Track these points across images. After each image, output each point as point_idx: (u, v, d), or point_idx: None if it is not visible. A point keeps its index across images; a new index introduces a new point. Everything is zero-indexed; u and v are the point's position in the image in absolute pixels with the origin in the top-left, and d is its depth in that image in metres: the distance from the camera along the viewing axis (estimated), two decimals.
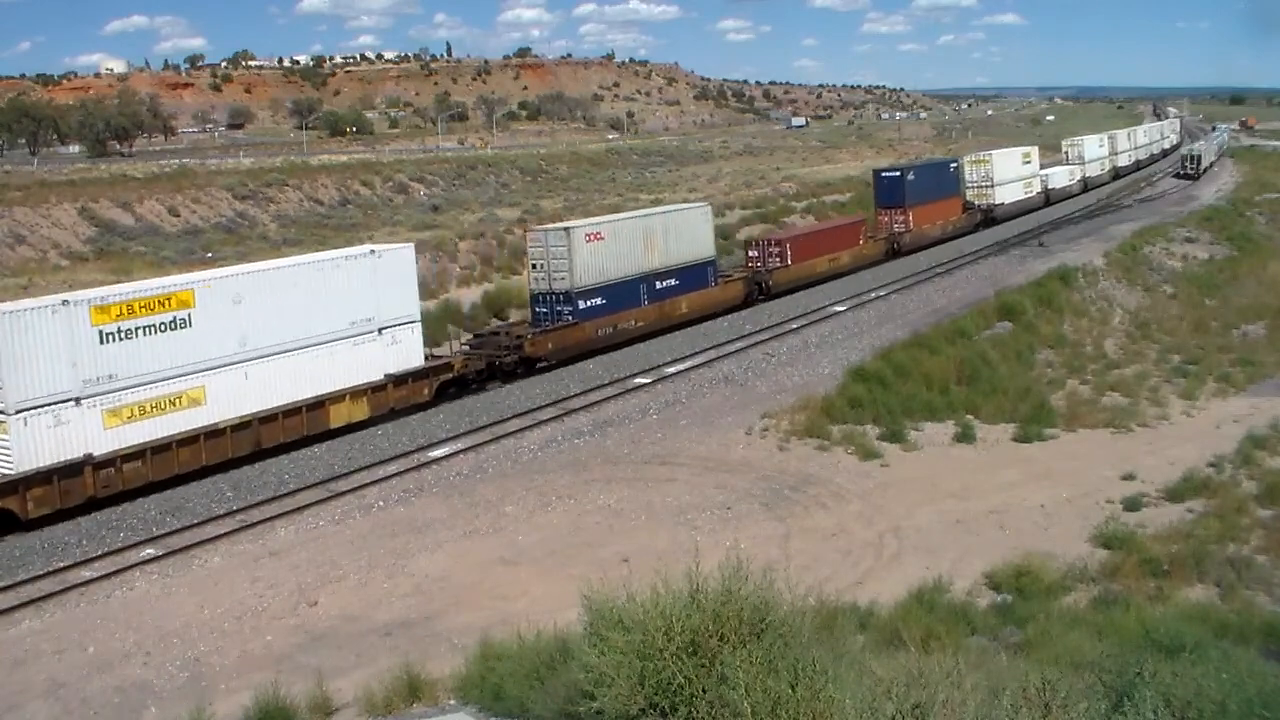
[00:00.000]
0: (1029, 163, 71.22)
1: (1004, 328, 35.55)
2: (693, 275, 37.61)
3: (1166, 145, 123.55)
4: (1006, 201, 65.00)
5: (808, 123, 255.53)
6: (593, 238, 33.48)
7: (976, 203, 62.65)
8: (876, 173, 59.23)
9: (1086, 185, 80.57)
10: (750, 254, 43.71)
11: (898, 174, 56.52)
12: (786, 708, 6.24)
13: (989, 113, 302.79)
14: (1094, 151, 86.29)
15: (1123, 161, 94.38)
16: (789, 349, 34.25)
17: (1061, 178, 76.30)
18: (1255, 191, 76.36)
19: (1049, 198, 72.12)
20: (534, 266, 33.36)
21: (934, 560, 17.32)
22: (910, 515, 19.89)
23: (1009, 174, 66.73)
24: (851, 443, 24.25)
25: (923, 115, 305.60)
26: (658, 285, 36.05)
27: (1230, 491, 20.34)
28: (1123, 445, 24.60)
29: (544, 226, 36.71)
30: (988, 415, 26.25)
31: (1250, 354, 33.29)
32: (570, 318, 32.54)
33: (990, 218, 62.59)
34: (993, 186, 63.72)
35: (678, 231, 37.19)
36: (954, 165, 62.18)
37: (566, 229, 33.60)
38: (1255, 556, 16.99)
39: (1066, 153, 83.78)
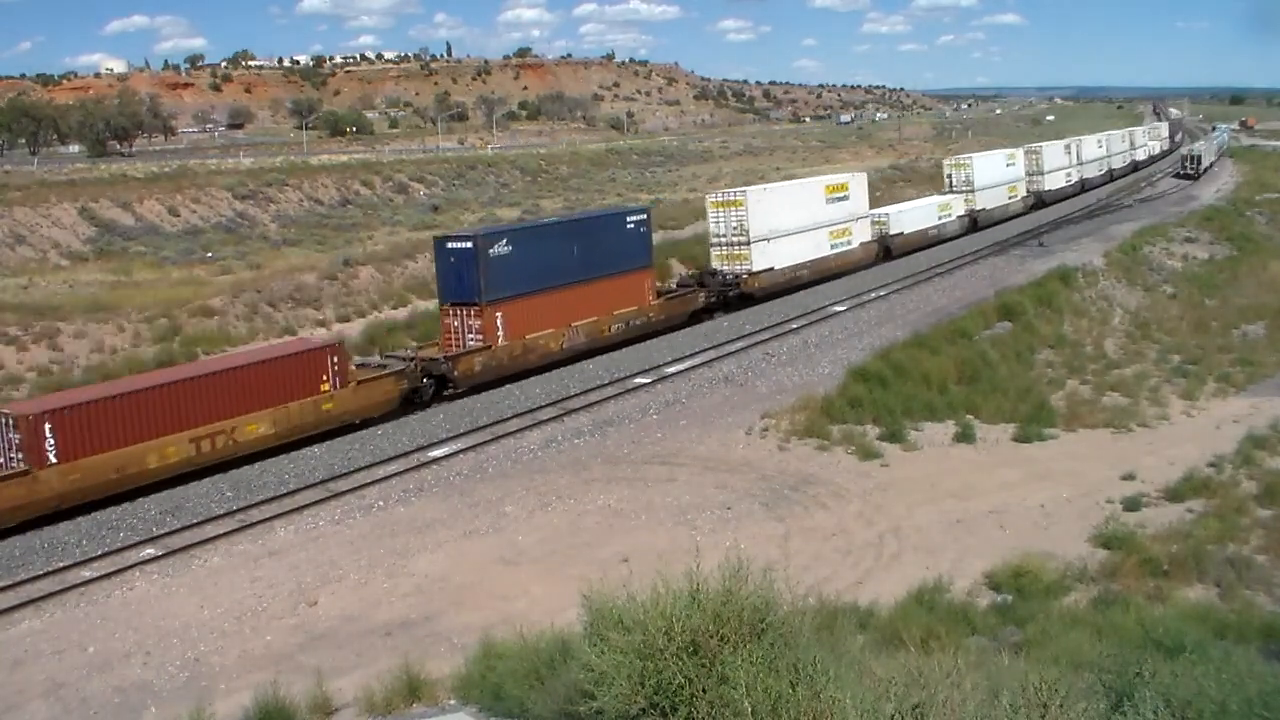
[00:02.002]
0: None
1: (1004, 328, 35.54)
2: None
3: (1142, 156, 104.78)
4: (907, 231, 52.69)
5: (853, 120, 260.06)
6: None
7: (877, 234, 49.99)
8: (439, 243, 31.54)
9: (977, 223, 60.08)
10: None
11: (469, 244, 29.82)
12: (787, 708, 6.24)
13: (997, 111, 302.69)
14: (992, 175, 63.41)
15: (1051, 185, 72.27)
16: (789, 349, 34.24)
17: (919, 217, 55.12)
18: (1255, 191, 76.34)
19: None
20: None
21: (934, 560, 17.33)
22: (910, 515, 19.90)
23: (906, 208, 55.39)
24: (851, 443, 24.26)
25: (920, 114, 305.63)
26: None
27: (1230, 491, 20.35)
28: (1123, 445, 24.61)
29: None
30: (988, 415, 26.25)
31: (1250, 354, 33.29)
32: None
33: (887, 250, 50.62)
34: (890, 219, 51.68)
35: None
36: (636, 219, 35.62)
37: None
38: (1255, 556, 17.00)
39: (950, 176, 61.79)
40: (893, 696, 6.28)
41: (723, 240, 41.27)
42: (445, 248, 30.73)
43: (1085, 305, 40.94)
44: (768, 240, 41.32)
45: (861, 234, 48.39)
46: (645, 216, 36.32)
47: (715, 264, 41.27)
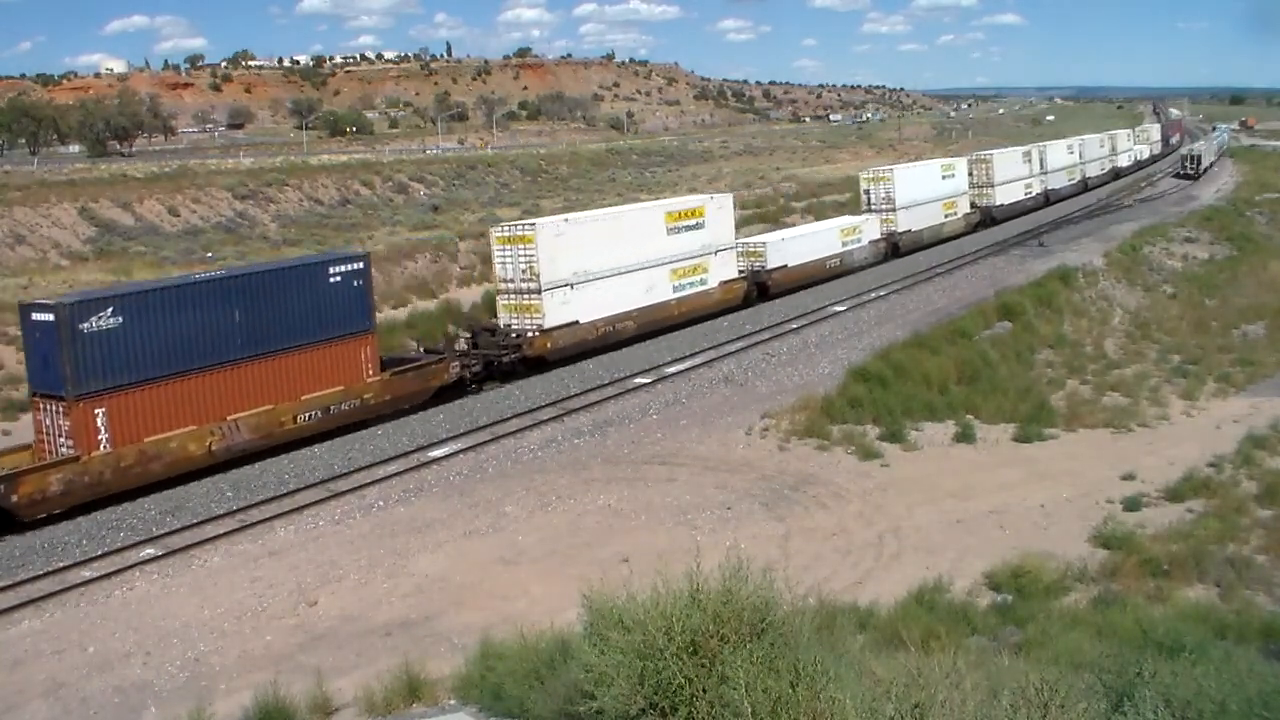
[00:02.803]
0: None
1: (1004, 328, 35.56)
2: None
3: (1126, 162, 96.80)
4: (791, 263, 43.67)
5: (869, 119, 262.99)
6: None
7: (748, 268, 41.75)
8: (24, 312, 22.93)
9: (898, 248, 52.08)
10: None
11: (50, 316, 21.60)
12: (787, 708, 6.24)
13: (1000, 111, 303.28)
14: (921, 189, 54.45)
15: (1005, 198, 64.04)
16: (789, 349, 34.24)
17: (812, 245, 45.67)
18: (1255, 191, 76.37)
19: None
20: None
21: (934, 560, 17.33)
22: (910, 515, 19.89)
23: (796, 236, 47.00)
24: (851, 443, 24.26)
25: (920, 114, 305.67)
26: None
27: (1230, 491, 20.35)
28: (1123, 445, 24.61)
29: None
30: (988, 415, 26.25)
31: (1250, 354, 33.31)
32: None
33: (763, 287, 42.02)
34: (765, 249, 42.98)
35: None
36: (345, 268, 26.28)
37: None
38: (1255, 556, 17.00)
39: (868, 193, 53.11)
40: (893, 696, 6.28)
41: (510, 287, 31.88)
42: (30, 319, 22.17)
43: (1085, 305, 40.97)
44: (570, 286, 32.05)
45: (723, 270, 38.85)
46: (361, 265, 26.70)
47: (503, 317, 32.07)
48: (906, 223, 52.50)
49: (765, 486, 21.64)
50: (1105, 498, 20.33)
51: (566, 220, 34.51)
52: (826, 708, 6.18)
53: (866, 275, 46.66)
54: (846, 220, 51.26)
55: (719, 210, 39.43)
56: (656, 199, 56.59)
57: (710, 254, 38.43)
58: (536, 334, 31.34)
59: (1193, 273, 48.61)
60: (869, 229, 49.71)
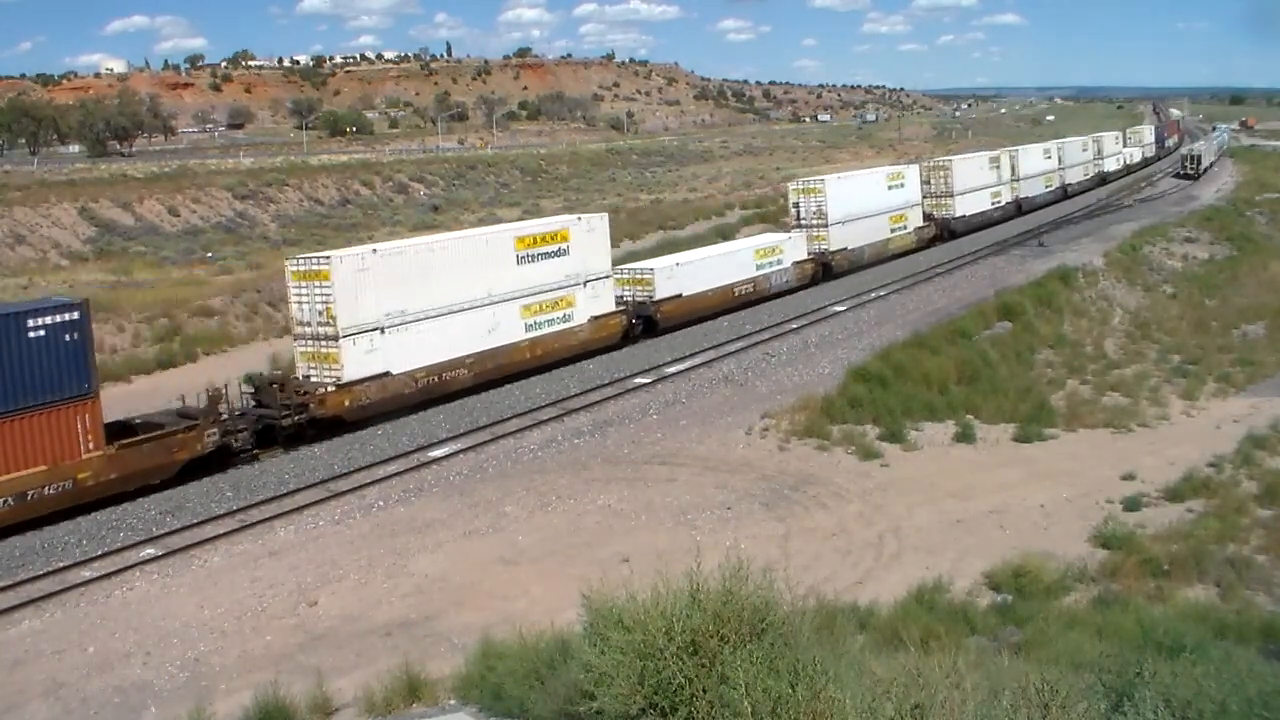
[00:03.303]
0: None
1: (1004, 328, 35.56)
2: None
3: (1114, 166, 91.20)
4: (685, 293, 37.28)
5: (875, 119, 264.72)
6: None
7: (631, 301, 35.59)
8: None
9: (830, 269, 45.94)
10: None
11: None
12: (787, 708, 6.24)
13: (1002, 110, 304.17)
14: (860, 202, 48.40)
15: (966, 209, 57.76)
16: (789, 349, 34.24)
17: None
18: (1255, 191, 76.40)
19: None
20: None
21: (934, 560, 17.32)
22: (910, 515, 19.89)
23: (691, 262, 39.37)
24: (851, 443, 24.26)
25: (920, 114, 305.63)
26: None
27: (1230, 491, 20.35)
28: (1123, 445, 24.61)
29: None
30: (988, 415, 26.25)
31: (1250, 354, 33.31)
32: None
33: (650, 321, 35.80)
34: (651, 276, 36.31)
35: None
36: (52, 320, 20.88)
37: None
38: (1255, 556, 17.00)
39: (798, 206, 47.09)
40: (893, 696, 6.28)
41: (307, 331, 26.47)
42: None
43: (1085, 305, 40.97)
44: (379, 330, 26.55)
45: (595, 304, 33.39)
46: (76, 315, 21.37)
47: (301, 367, 26.64)
48: (841, 240, 46.52)
49: (765, 486, 21.64)
50: (1105, 498, 20.33)
51: (375, 251, 27.88)
52: (826, 708, 6.18)
53: (866, 275, 46.36)
54: (764, 239, 45.45)
55: (589, 233, 33.26)
56: (655, 199, 55.47)
57: (577, 285, 32.66)
58: (331, 389, 25.71)
59: (1193, 273, 48.62)
60: (792, 249, 43.65)
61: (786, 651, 6.84)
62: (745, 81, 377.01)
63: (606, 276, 34.27)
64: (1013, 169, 64.67)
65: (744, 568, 7.57)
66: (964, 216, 57.49)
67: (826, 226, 45.83)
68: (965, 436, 24.85)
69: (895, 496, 21.01)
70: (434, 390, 28.19)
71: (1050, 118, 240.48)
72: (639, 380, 30.75)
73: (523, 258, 31.14)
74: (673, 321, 36.52)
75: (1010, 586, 15.83)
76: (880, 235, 50.03)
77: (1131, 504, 19.88)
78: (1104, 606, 14.28)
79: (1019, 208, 64.83)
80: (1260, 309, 39.49)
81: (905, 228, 52.67)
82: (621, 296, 35.20)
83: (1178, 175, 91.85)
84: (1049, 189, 72.20)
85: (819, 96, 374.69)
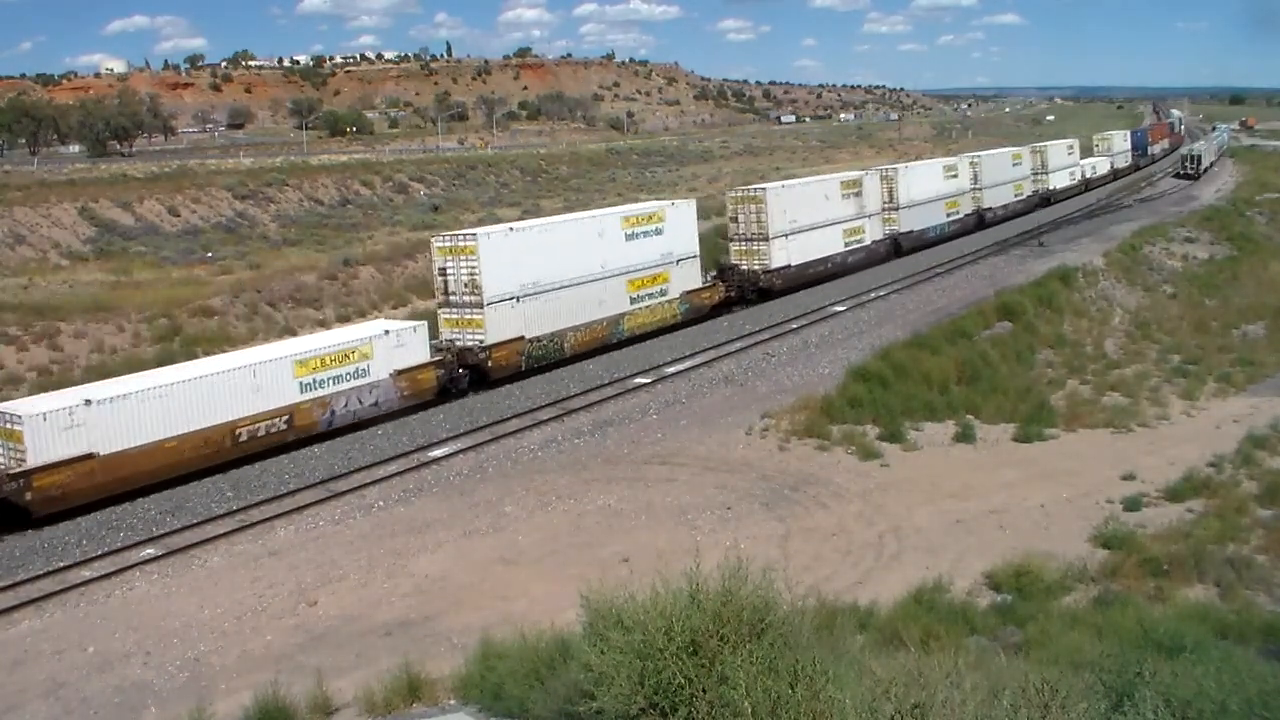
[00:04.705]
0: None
1: (1004, 328, 35.56)
2: None
3: (1063, 184, 73.17)
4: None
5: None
6: None
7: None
8: None
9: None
10: None
11: None
12: (786, 708, 6.24)
13: (1006, 110, 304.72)
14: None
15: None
16: (789, 349, 34.23)
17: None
18: (1255, 191, 76.35)
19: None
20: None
21: (934, 560, 17.32)
22: (910, 515, 19.89)
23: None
24: (851, 443, 24.26)
25: (920, 114, 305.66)
26: None
27: (1230, 491, 20.35)
28: (1123, 445, 24.60)
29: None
30: (988, 415, 26.26)
31: (1250, 354, 33.32)
32: None
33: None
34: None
35: None
36: None
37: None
38: (1255, 556, 16.99)
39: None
40: (893, 696, 6.28)
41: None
42: None
43: (1085, 305, 40.96)
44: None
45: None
46: None
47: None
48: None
49: (765, 486, 21.64)
50: (1105, 498, 20.33)
51: (512, 229, 31.37)
52: (826, 708, 6.18)
53: (865, 275, 46.24)
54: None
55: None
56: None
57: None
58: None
59: (1193, 273, 48.61)
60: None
61: (786, 651, 6.84)
62: (745, 81, 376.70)
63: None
64: (890, 194, 49.56)
65: (744, 568, 7.57)
66: (785, 269, 41.97)
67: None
68: (965, 436, 24.85)
69: (895, 496, 21.01)
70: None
71: (1050, 117, 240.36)
72: (639, 380, 30.73)
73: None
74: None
75: (1010, 586, 15.83)
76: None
77: (1131, 504, 19.88)
78: (1104, 606, 14.28)
79: (897, 247, 49.80)
80: (1260, 309, 39.49)
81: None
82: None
83: (1178, 175, 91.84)
84: (953, 218, 55.55)
85: (819, 96, 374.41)
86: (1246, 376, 30.66)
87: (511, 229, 31.98)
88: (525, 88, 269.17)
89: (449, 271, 29.61)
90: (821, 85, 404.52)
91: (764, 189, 42.73)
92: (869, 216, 47.33)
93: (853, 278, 44.85)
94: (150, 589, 17.96)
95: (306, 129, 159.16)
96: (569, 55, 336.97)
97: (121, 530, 20.49)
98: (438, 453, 24.67)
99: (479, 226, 38.94)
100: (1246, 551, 17.26)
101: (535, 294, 30.68)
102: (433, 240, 31.63)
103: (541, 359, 31.27)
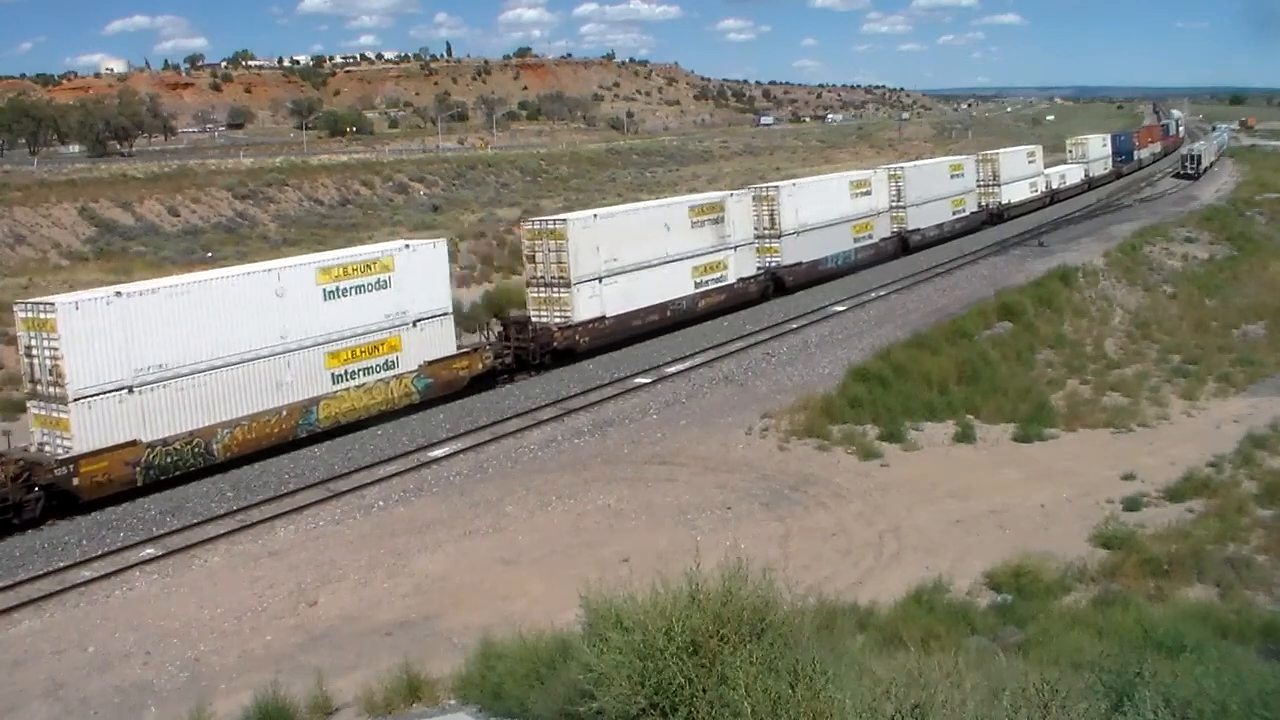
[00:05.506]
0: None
1: (1004, 328, 35.55)
2: None
3: (1006, 200, 61.59)
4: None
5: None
6: None
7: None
8: None
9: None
10: None
11: None
12: (786, 708, 6.24)
13: (1008, 109, 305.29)
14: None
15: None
16: (789, 349, 34.23)
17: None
18: (1255, 191, 76.32)
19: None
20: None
21: (934, 560, 17.32)
22: (910, 515, 19.89)
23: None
24: (851, 442, 24.25)
25: (920, 114, 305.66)
26: None
27: (1230, 491, 20.34)
28: (1123, 445, 24.60)
29: None
30: (988, 415, 26.25)
31: (1250, 354, 33.29)
32: None
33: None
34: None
35: None
36: None
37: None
38: (1255, 556, 16.99)
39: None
40: (893, 696, 6.28)
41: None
42: None
43: (1085, 305, 40.94)
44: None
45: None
46: None
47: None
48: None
49: (765, 486, 21.64)
50: (1105, 498, 20.32)
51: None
52: (826, 708, 6.18)
53: (867, 275, 46.28)
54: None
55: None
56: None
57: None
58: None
59: (1193, 273, 48.57)
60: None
61: (786, 652, 6.84)
62: (745, 81, 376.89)
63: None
64: (771, 219, 41.34)
65: (744, 568, 7.57)
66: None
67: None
68: (965, 436, 24.84)
69: (895, 496, 21.01)
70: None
71: (1050, 117, 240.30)
72: (639, 380, 30.74)
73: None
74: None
75: (1010, 586, 15.82)
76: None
77: (1131, 504, 19.88)
78: (1104, 606, 14.26)
79: (778, 283, 41.74)
80: (1260, 309, 39.46)
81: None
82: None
83: (1178, 175, 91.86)
84: (863, 244, 46.93)
85: (819, 97, 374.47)
86: (1246, 376, 30.64)
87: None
88: (525, 88, 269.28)
89: None
90: (821, 85, 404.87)
91: (565, 220, 32.74)
92: (734, 249, 38.35)
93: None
94: (150, 589, 17.95)
95: (306, 129, 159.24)
96: (569, 55, 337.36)
97: (121, 530, 20.50)
98: (438, 453, 24.67)
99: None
100: (1246, 551, 17.26)
101: None
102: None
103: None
